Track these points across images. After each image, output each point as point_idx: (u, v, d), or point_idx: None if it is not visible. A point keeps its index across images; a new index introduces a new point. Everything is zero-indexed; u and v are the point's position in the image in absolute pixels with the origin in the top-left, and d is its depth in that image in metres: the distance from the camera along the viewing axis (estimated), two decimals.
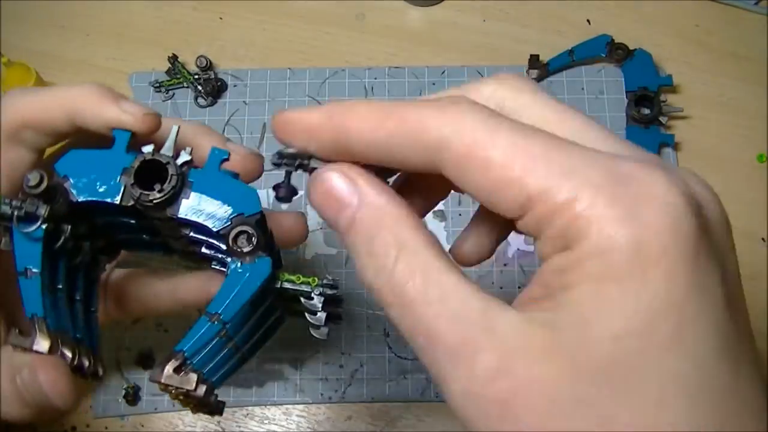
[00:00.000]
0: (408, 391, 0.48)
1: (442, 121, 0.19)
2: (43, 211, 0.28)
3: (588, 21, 0.58)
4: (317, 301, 0.28)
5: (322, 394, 0.48)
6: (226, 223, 0.28)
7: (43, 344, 0.28)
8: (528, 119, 0.21)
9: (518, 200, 0.19)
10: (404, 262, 0.20)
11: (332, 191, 0.21)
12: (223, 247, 0.28)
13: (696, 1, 0.58)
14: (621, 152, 0.20)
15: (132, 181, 0.28)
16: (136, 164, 0.28)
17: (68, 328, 0.30)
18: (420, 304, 0.19)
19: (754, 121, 0.55)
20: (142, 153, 0.28)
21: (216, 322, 0.27)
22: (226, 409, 0.44)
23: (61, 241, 0.29)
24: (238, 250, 0.27)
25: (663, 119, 0.53)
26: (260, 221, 0.28)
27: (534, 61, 0.55)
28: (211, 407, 0.30)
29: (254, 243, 0.27)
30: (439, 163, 0.20)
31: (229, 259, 0.28)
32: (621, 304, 0.17)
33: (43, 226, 0.28)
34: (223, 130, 0.54)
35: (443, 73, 0.56)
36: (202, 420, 0.48)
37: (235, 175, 0.29)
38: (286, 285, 0.28)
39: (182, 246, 0.31)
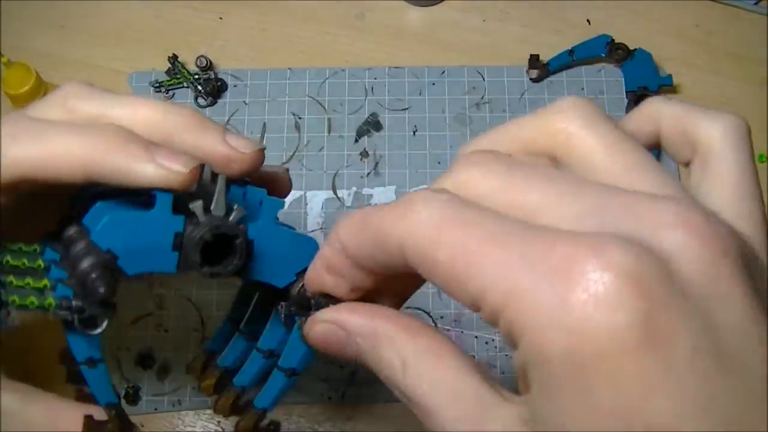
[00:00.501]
0: None
1: (399, 228, 0.19)
2: (104, 325, 0.26)
3: (588, 21, 0.58)
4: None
5: (322, 394, 0.48)
6: (291, 279, 0.27)
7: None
8: (493, 203, 0.19)
9: (466, 300, 0.18)
10: (409, 375, 0.21)
11: (328, 340, 0.22)
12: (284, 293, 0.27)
13: (696, 1, 0.58)
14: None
15: (199, 260, 0.25)
16: (198, 236, 0.25)
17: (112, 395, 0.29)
18: (431, 411, 0.21)
19: (754, 121, 0.55)
20: (192, 214, 0.25)
21: (292, 377, 0.28)
22: None
23: (104, 326, 0.27)
24: (304, 303, 0.26)
25: None
26: None
27: (534, 61, 0.55)
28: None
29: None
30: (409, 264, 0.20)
31: (292, 309, 0.27)
32: (570, 412, 0.16)
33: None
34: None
35: (443, 73, 0.56)
36: (201, 420, 0.48)
37: (279, 222, 0.27)
38: None
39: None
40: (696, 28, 0.57)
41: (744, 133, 0.23)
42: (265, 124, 0.57)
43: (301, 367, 0.28)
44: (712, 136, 0.22)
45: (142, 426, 0.48)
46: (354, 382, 0.48)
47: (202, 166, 0.25)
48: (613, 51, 0.55)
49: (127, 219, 0.25)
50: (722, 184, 0.21)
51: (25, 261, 0.25)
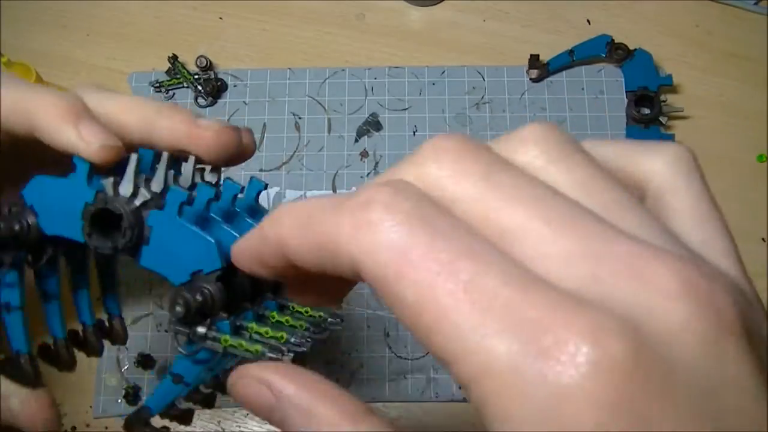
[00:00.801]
0: (408, 391, 0.48)
1: (353, 244, 0.16)
2: (8, 259, 0.28)
3: (588, 21, 0.58)
4: (287, 358, 0.24)
5: None
6: (186, 278, 0.26)
7: (29, 379, 0.29)
8: (466, 212, 0.16)
9: (432, 352, 0.15)
10: None
11: (252, 399, 0.20)
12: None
13: (696, 1, 0.58)
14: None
15: (88, 231, 0.26)
16: (91, 210, 0.26)
17: (60, 329, 0.32)
18: None
19: (754, 121, 0.55)
20: (102, 188, 0.26)
21: (181, 384, 0.29)
22: (226, 409, 0.45)
23: (42, 261, 0.29)
24: (178, 314, 0.25)
25: (663, 119, 0.53)
26: (222, 276, 0.25)
27: (534, 61, 0.55)
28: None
29: (213, 307, 0.25)
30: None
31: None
32: None
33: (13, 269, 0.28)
34: None
35: (443, 73, 0.56)
36: (201, 420, 0.48)
37: (205, 219, 0.26)
38: (233, 351, 0.25)
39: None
40: (696, 28, 0.57)
41: (691, 162, 0.20)
42: (265, 124, 0.57)
43: (191, 380, 0.28)
44: (658, 171, 0.20)
45: None
46: (354, 382, 0.48)
47: (119, 149, 0.26)
48: (613, 51, 0.55)
49: (47, 182, 0.27)
50: (683, 219, 0.19)
51: None
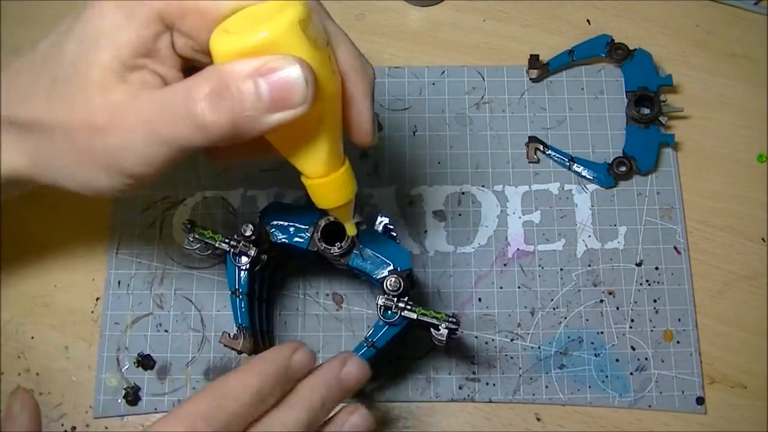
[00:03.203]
0: (408, 391, 0.48)
1: None
2: (252, 252, 0.41)
3: (588, 21, 0.58)
4: (443, 331, 0.39)
5: None
6: (384, 274, 0.41)
7: (246, 347, 0.42)
8: None
9: None
10: None
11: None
12: (377, 283, 0.41)
13: (696, 1, 0.58)
14: None
15: (319, 236, 0.41)
16: (323, 224, 0.41)
17: (256, 324, 0.44)
18: None
19: (754, 121, 0.55)
20: (326, 213, 0.39)
21: (371, 348, 0.40)
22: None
23: (259, 266, 0.42)
24: (388, 291, 0.40)
25: (663, 119, 0.53)
26: (409, 275, 0.41)
27: (534, 61, 0.55)
28: None
29: (400, 290, 0.39)
30: None
31: (380, 295, 0.40)
32: None
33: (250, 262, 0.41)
34: None
35: (443, 73, 0.56)
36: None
37: (392, 232, 0.42)
38: (423, 318, 0.39)
39: (341, 267, 0.44)
40: (696, 28, 0.57)
41: None
42: None
43: (380, 343, 0.40)
44: None
45: (142, 426, 0.48)
46: None
47: None
48: (613, 51, 0.55)
49: (282, 206, 0.45)
50: None
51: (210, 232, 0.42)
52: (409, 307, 0.39)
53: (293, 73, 0.28)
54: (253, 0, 0.30)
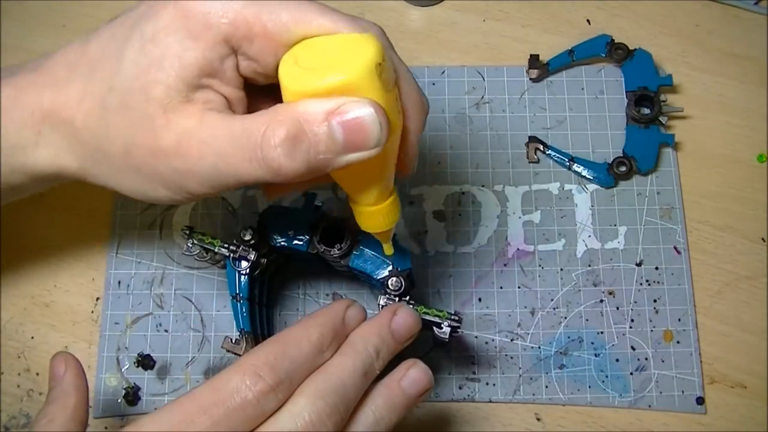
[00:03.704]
0: None
1: None
2: (252, 256, 0.41)
3: (588, 21, 0.58)
4: (446, 329, 0.39)
5: None
6: (385, 274, 0.41)
7: (248, 350, 0.40)
8: None
9: None
10: None
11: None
12: (378, 284, 0.41)
13: (696, 1, 0.58)
14: None
15: (318, 239, 0.41)
16: (321, 226, 0.41)
17: (257, 329, 0.44)
18: None
19: (754, 121, 0.55)
20: (325, 215, 0.41)
21: None
22: None
23: (258, 270, 0.42)
24: (389, 291, 0.40)
25: (663, 119, 0.53)
26: (409, 274, 0.41)
27: (534, 61, 0.55)
28: None
29: (401, 289, 0.40)
30: None
31: (381, 294, 0.40)
32: None
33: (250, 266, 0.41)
34: None
35: (443, 73, 0.56)
36: None
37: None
38: (425, 317, 0.39)
39: (341, 268, 0.44)
40: (696, 28, 0.57)
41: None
42: None
43: None
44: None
45: None
46: None
47: None
48: (613, 51, 0.55)
49: (281, 210, 0.43)
50: None
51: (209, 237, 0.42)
52: (410, 306, 0.39)
53: (368, 117, 0.28)
54: (324, 21, 0.30)
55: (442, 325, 0.39)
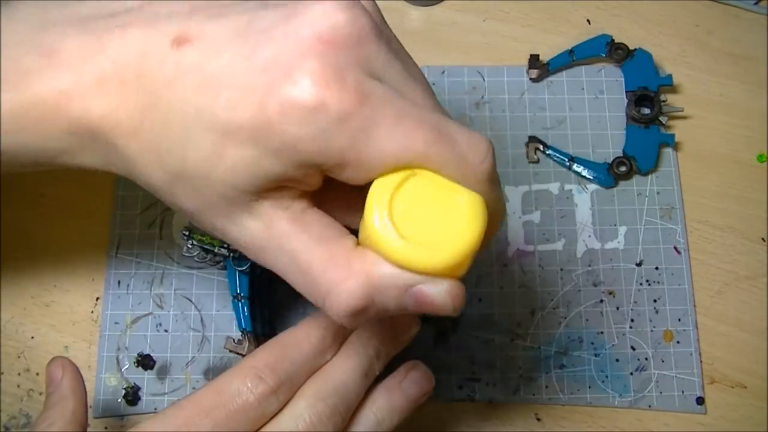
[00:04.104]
0: None
1: None
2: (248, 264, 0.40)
3: (588, 21, 0.58)
4: None
5: None
6: None
7: (250, 350, 0.41)
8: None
9: None
10: None
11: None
12: None
13: (696, 1, 0.58)
14: None
15: None
16: None
17: (259, 328, 0.43)
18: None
19: (754, 121, 0.55)
20: None
21: None
22: None
23: (259, 269, 0.41)
24: None
25: (663, 119, 0.53)
26: None
27: (534, 61, 0.55)
28: None
29: None
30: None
31: None
32: None
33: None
34: None
35: (443, 73, 0.56)
36: None
37: None
38: None
39: None
40: (696, 28, 0.57)
41: None
42: None
43: None
44: None
45: None
46: None
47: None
48: (613, 51, 0.55)
49: None
50: None
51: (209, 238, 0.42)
52: None
53: (443, 301, 0.26)
54: (434, 153, 0.25)
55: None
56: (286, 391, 0.31)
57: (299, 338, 0.32)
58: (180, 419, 0.30)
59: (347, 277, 0.26)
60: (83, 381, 0.37)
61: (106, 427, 0.47)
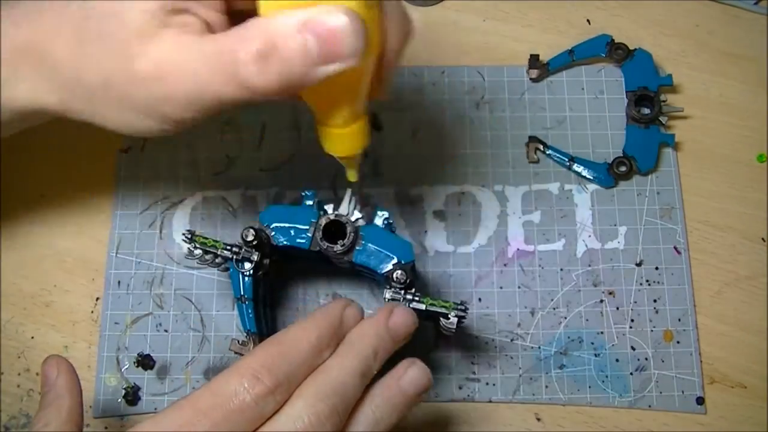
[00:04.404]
0: None
1: None
2: (255, 257, 0.41)
3: (588, 21, 0.58)
4: (453, 319, 0.39)
5: None
6: (389, 268, 0.40)
7: None
8: None
9: None
10: None
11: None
12: (382, 278, 0.41)
13: (696, 1, 0.58)
14: None
15: (321, 236, 0.40)
16: (323, 222, 0.41)
17: (262, 330, 0.43)
18: None
19: (754, 121, 0.55)
20: (326, 212, 0.41)
21: None
22: None
23: (262, 271, 0.42)
24: (395, 284, 0.39)
25: (663, 119, 0.53)
26: (413, 267, 0.41)
27: (534, 61, 0.55)
28: None
29: (406, 282, 0.39)
30: None
31: (386, 288, 0.40)
32: None
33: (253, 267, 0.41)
34: (222, 130, 0.54)
35: (443, 73, 0.56)
36: None
37: (392, 227, 0.42)
38: (432, 308, 0.39)
39: (343, 265, 0.44)
40: (696, 28, 0.57)
41: None
42: (265, 124, 0.57)
43: None
44: None
45: None
46: None
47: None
48: (613, 51, 0.55)
49: (282, 209, 0.43)
50: None
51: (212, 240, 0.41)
52: (417, 298, 0.39)
53: (344, 25, 0.27)
54: None
55: (449, 316, 0.39)
56: (283, 391, 0.31)
57: (297, 338, 0.33)
58: (178, 420, 0.30)
59: (245, 34, 0.28)
60: (78, 379, 0.37)
61: (106, 427, 0.47)
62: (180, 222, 0.52)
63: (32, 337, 0.49)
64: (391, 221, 0.42)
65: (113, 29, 0.30)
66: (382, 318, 0.35)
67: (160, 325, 0.49)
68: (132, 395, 0.47)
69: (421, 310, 0.39)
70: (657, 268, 0.51)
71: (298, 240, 0.42)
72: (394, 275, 0.39)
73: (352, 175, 0.38)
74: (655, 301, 0.50)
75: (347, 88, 0.31)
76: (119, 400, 0.48)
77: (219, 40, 0.29)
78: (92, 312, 0.50)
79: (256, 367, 0.31)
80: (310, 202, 0.42)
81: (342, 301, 0.36)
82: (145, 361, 0.48)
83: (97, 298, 0.50)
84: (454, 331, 0.40)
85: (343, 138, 0.34)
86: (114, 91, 0.31)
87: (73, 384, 0.36)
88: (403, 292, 0.39)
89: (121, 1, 0.30)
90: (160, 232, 0.52)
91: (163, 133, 0.33)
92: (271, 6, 0.28)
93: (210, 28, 0.31)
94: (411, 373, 0.35)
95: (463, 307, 0.39)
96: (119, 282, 0.50)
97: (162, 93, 0.30)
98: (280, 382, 0.31)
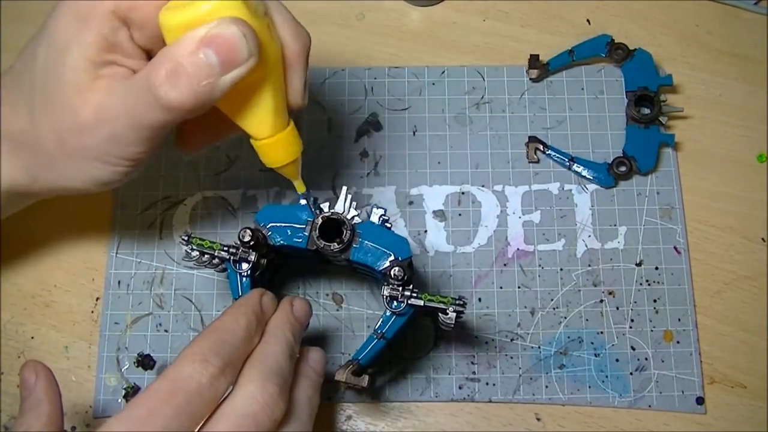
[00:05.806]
0: (408, 391, 0.48)
1: None
2: (253, 258, 0.40)
3: (588, 21, 0.58)
4: (451, 314, 0.39)
5: (321, 394, 0.48)
6: (386, 265, 0.40)
7: None
8: None
9: None
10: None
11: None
12: (379, 275, 0.41)
13: (696, 1, 0.58)
14: None
15: (317, 234, 0.40)
16: (319, 221, 0.40)
17: None
18: None
19: (754, 121, 0.55)
20: (322, 210, 0.41)
21: (381, 339, 0.40)
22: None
23: (259, 271, 0.42)
24: (393, 281, 0.39)
25: (663, 119, 0.53)
26: (410, 263, 0.41)
27: (534, 61, 0.55)
28: (367, 388, 0.42)
29: (404, 278, 0.39)
30: None
31: (385, 285, 0.40)
32: None
33: (251, 268, 0.40)
34: None
35: (443, 73, 0.56)
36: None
37: (387, 222, 0.42)
38: (430, 304, 0.39)
39: (340, 263, 0.44)
40: (696, 28, 0.57)
41: None
42: None
43: (389, 334, 0.40)
44: None
45: None
46: None
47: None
48: (613, 51, 0.55)
49: (278, 208, 0.42)
50: None
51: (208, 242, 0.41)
52: (415, 294, 0.39)
53: (232, 31, 0.31)
54: None
55: (448, 311, 0.39)
56: (231, 371, 0.33)
57: (230, 325, 0.35)
58: (143, 410, 0.31)
59: (155, 61, 0.32)
60: (57, 383, 0.37)
61: None
62: (180, 222, 0.52)
63: (32, 337, 0.49)
64: (387, 218, 0.42)
65: (56, 91, 0.35)
66: (287, 308, 0.39)
67: (160, 325, 0.49)
68: (132, 395, 0.48)
69: (420, 306, 0.39)
70: (657, 268, 0.51)
71: (295, 239, 0.42)
72: (392, 272, 0.39)
73: (299, 186, 0.40)
74: (655, 301, 0.50)
75: (258, 94, 0.34)
76: (119, 400, 0.48)
77: (138, 75, 0.34)
78: (92, 312, 0.50)
79: (204, 351, 0.32)
80: (305, 201, 0.42)
81: (259, 290, 0.38)
82: (145, 361, 0.48)
83: (97, 298, 0.50)
84: (452, 326, 0.40)
85: (274, 147, 0.36)
86: (68, 146, 0.36)
87: (52, 388, 0.37)
88: (401, 288, 0.39)
89: (56, 64, 0.35)
90: (160, 232, 0.52)
91: (126, 177, 0.38)
92: (173, 30, 0.32)
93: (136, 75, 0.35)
94: (313, 356, 0.39)
95: (461, 302, 0.39)
96: (119, 282, 0.50)
97: (107, 134, 0.34)
98: (226, 363, 0.33)
